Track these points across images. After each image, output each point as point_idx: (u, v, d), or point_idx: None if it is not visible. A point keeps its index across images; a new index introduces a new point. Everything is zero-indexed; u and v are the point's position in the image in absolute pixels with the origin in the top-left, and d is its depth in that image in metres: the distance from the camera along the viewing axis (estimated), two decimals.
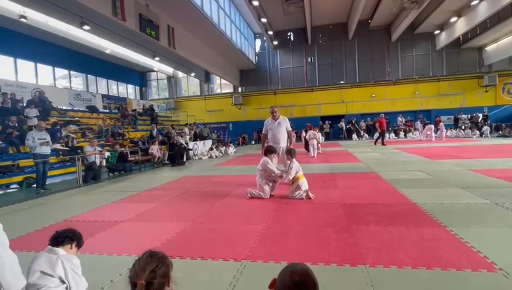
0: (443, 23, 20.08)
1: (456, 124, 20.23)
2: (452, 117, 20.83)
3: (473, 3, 15.98)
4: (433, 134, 16.47)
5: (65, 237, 1.95)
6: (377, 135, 16.02)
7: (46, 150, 7.19)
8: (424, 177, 6.16)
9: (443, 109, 21.07)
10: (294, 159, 5.09)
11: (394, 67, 22.77)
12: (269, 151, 5.29)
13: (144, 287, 1.09)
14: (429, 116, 20.70)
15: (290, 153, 5.24)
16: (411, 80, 22.12)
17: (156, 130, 13.37)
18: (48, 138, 7.26)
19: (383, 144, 14.55)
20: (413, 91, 22.00)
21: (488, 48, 20.95)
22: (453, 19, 18.59)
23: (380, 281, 2.24)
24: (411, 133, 20.16)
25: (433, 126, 16.68)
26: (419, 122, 19.18)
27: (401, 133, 20.63)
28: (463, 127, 19.17)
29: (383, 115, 15.79)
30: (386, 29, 22.43)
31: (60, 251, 1.90)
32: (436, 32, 21.32)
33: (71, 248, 1.99)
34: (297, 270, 1.09)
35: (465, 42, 21.02)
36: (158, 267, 1.15)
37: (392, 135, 20.65)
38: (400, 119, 21.57)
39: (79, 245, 2.06)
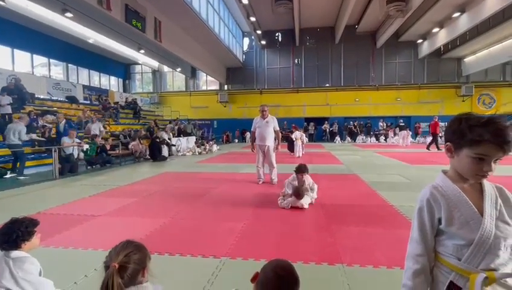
0: (426, 33, 20.74)
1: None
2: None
3: (454, 15, 16.60)
4: (410, 139, 17.14)
5: (7, 241, 1.68)
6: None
7: None
8: (402, 181, 6.34)
9: (422, 115, 21.75)
10: (308, 175, 4.55)
11: (378, 73, 23.33)
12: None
13: (117, 270, 1.07)
14: (409, 122, 21.36)
15: (303, 170, 4.48)
16: (393, 86, 22.74)
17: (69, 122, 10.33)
18: None
19: (438, 148, 13.51)
20: (395, 97, 22.64)
21: (467, 60, 21.82)
22: (435, 30, 19.25)
23: (356, 280, 2.29)
24: (392, 139, 20.74)
25: (405, 132, 17.25)
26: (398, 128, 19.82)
27: (382, 138, 21.18)
28: (441, 135, 19.86)
29: (437, 117, 14.50)
30: (371, 36, 22.94)
31: (13, 253, 1.68)
32: (419, 41, 22.00)
33: (25, 245, 1.74)
34: (281, 265, 1.12)
35: (445, 52, 21.82)
36: (133, 252, 1.14)
37: (373, 139, 21.17)
38: (381, 124, 22.16)
39: (30, 237, 1.76)
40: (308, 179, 4.53)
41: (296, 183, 4.44)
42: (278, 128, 6.34)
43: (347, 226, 3.51)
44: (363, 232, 3.28)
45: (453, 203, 1.03)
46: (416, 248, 1.08)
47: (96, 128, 10.93)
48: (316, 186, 4.60)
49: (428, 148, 14.00)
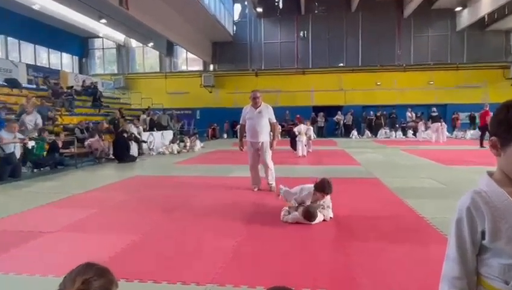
0: None
1: (472, 124, 20.86)
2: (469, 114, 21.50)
3: None
4: (445, 134, 17.29)
5: None
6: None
7: None
8: (434, 186, 6.41)
9: (461, 103, 21.82)
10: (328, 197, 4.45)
11: (405, 50, 23.44)
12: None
13: None
14: (444, 112, 21.40)
15: (326, 191, 4.36)
16: (425, 67, 22.87)
17: None
18: None
19: (481, 145, 13.26)
20: (427, 80, 22.74)
21: None
22: None
23: None
24: (423, 133, 20.74)
25: (439, 125, 17.14)
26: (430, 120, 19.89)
27: (410, 132, 21.15)
28: None
29: (487, 105, 14.31)
30: (397, 2, 23.02)
31: None
32: (458, 9, 22.06)
33: None
34: None
35: (490, 24, 21.92)
36: (94, 278, 1.13)
37: (399, 133, 21.26)
38: (409, 114, 22.14)
39: None
40: (326, 197, 4.41)
41: (309, 202, 4.35)
42: (275, 120, 6.34)
43: (365, 243, 3.54)
44: (385, 251, 3.31)
45: (500, 213, 1.01)
46: (454, 268, 1.08)
47: (32, 120, 10.12)
48: (331, 204, 4.47)
49: (481, 145, 13.47)
